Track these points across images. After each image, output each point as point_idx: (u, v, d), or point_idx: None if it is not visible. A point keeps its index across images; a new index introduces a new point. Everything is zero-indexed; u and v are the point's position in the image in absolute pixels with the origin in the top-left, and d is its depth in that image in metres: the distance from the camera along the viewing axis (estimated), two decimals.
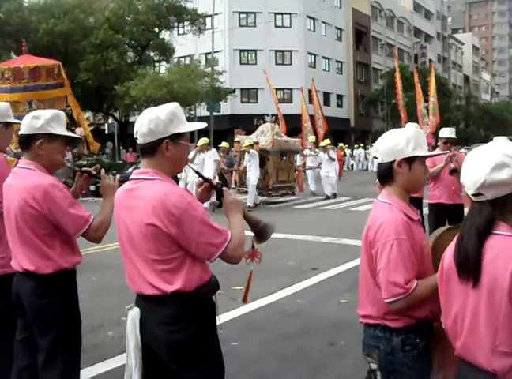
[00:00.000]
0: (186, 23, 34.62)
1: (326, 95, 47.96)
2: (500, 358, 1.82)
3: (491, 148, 1.93)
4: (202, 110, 32.87)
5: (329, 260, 8.43)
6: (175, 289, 2.35)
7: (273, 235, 2.80)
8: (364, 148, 41.18)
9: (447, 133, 7.21)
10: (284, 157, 17.36)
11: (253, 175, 15.02)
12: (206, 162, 13.99)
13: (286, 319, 5.70)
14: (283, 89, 43.35)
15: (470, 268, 1.87)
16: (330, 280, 7.27)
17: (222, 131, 31.60)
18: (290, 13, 44.86)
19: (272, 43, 43.89)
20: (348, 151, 39.45)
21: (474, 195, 1.90)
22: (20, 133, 3.03)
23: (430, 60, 64.29)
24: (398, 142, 2.35)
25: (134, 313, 2.45)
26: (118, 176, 3.21)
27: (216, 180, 13.64)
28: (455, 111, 58.77)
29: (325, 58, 49.62)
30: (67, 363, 2.97)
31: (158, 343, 2.42)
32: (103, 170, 3.19)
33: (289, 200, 17.50)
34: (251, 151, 14.98)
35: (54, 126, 3.00)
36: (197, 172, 2.90)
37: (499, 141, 2.32)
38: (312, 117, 27.53)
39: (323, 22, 48.93)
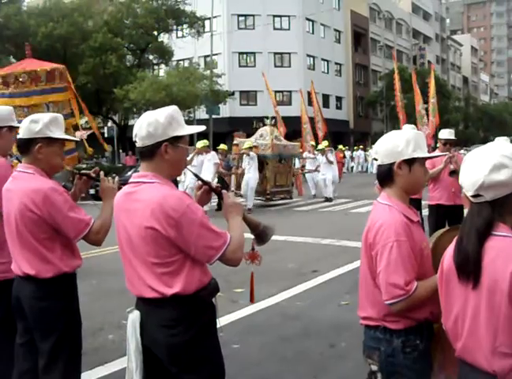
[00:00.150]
0: (185, 26, 34.66)
1: (325, 97, 47.99)
2: (500, 359, 1.82)
3: (490, 149, 1.93)
4: (201, 112, 32.87)
5: (329, 262, 8.43)
6: (175, 292, 2.35)
7: (273, 237, 2.80)
8: (364, 149, 41.15)
9: (446, 134, 7.22)
10: (283, 161, 17.29)
11: (252, 178, 14.95)
12: (205, 164, 13.94)
13: (286, 321, 5.70)
14: (282, 91, 43.36)
15: (470, 269, 1.87)
16: (330, 282, 7.26)
17: (221, 134, 31.59)
18: (289, 16, 44.86)
19: (271, 46, 43.90)
20: (347, 153, 39.46)
21: (473, 196, 1.90)
22: (18, 137, 3.02)
23: (429, 61, 64.35)
24: (398, 144, 2.35)
25: (134, 317, 2.45)
26: (117, 178, 3.21)
27: (215, 183, 13.63)
28: (454, 112, 58.77)
29: (323, 60, 49.66)
30: (68, 366, 2.97)
31: (158, 346, 2.42)
32: (102, 173, 3.19)
33: (289, 203, 17.49)
34: (251, 153, 14.88)
35: (53, 130, 3.00)
36: (196, 175, 2.91)
37: (499, 142, 2.33)
38: (312, 119, 27.55)
39: (322, 24, 48.96)
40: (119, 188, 2.90)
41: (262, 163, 16.07)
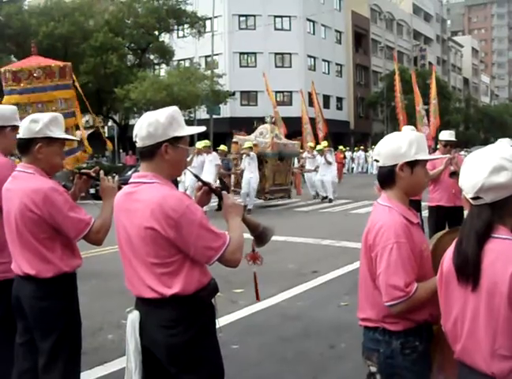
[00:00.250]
0: (186, 26, 34.65)
1: (326, 98, 47.98)
2: (499, 361, 1.82)
3: (489, 151, 1.93)
4: (202, 112, 32.88)
5: (329, 262, 8.43)
6: (174, 292, 2.35)
7: (273, 238, 2.80)
8: (365, 150, 41.14)
9: (447, 135, 7.22)
10: (283, 160, 17.18)
11: (254, 178, 14.90)
12: (207, 165, 13.91)
13: (286, 322, 5.70)
14: (282, 92, 43.38)
15: (469, 271, 1.87)
16: (330, 283, 7.26)
17: (222, 134, 31.59)
18: (289, 16, 44.86)
19: (272, 46, 43.90)
20: (348, 154, 39.45)
21: (473, 199, 1.90)
22: (18, 136, 3.02)
23: (429, 62, 64.36)
24: (400, 145, 2.34)
25: (134, 317, 2.46)
26: (116, 177, 3.21)
27: (217, 184, 13.59)
28: (455, 114, 58.77)
29: (324, 60, 49.65)
30: (68, 366, 2.97)
31: (157, 346, 2.42)
32: (102, 172, 3.18)
33: (289, 203, 17.49)
34: (251, 153, 14.83)
35: (53, 130, 2.99)
36: (196, 176, 2.91)
37: (501, 144, 2.32)
38: (313, 120, 27.57)
39: (323, 25, 48.97)
40: (119, 187, 2.90)
41: (261, 161, 15.97)
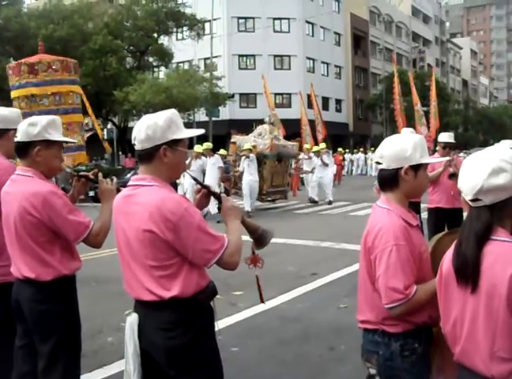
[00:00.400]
0: (185, 28, 34.72)
1: (325, 100, 47.99)
2: (499, 363, 1.82)
3: (488, 153, 1.93)
4: (201, 115, 32.88)
5: (328, 264, 8.43)
6: (173, 295, 2.35)
7: (273, 240, 2.80)
8: (364, 152, 41.11)
9: (446, 137, 7.22)
10: (281, 161, 17.10)
11: (253, 180, 14.84)
12: (209, 168, 13.88)
13: (286, 324, 5.70)
14: (282, 94, 43.42)
15: (469, 273, 1.87)
16: (330, 285, 7.26)
17: (221, 136, 31.60)
18: (288, 18, 44.90)
19: (271, 48, 43.91)
20: (347, 156, 39.43)
21: (472, 200, 1.90)
22: (16, 140, 3.01)
23: (428, 64, 64.45)
24: (406, 149, 2.33)
25: (132, 319, 2.45)
26: (115, 179, 3.21)
27: (222, 187, 13.53)
28: (454, 116, 58.78)
29: (323, 62, 49.68)
30: (67, 369, 2.96)
31: (156, 348, 2.42)
32: (100, 174, 3.18)
33: (288, 205, 17.48)
34: (251, 155, 14.77)
35: (51, 132, 2.99)
36: (194, 179, 2.91)
37: (502, 145, 2.32)
38: (312, 122, 27.59)
39: (322, 27, 49.01)
40: (118, 190, 2.90)
41: (260, 162, 15.90)
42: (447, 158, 6.34)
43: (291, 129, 26.16)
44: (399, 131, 16.53)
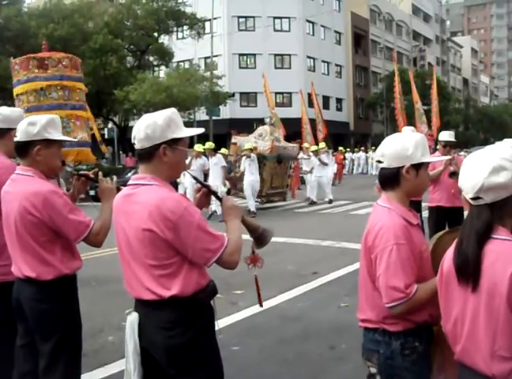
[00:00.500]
0: (185, 27, 34.75)
1: (325, 99, 47.98)
2: (499, 362, 1.82)
3: (489, 151, 1.92)
4: (202, 114, 32.88)
5: (329, 263, 8.42)
6: (173, 294, 2.35)
7: (273, 239, 2.79)
8: (365, 151, 41.08)
9: (446, 136, 7.22)
10: (281, 162, 17.04)
11: (255, 181, 14.79)
12: (212, 168, 13.86)
13: (286, 323, 5.70)
14: (282, 93, 43.40)
15: (469, 272, 1.87)
16: (330, 284, 7.26)
17: (221, 135, 31.60)
18: (289, 17, 44.86)
19: (272, 47, 43.88)
20: (348, 155, 39.41)
21: (473, 199, 1.90)
22: (16, 139, 3.01)
23: (429, 63, 64.40)
24: (407, 147, 2.32)
25: (133, 318, 2.45)
26: (115, 179, 3.20)
27: (227, 186, 13.48)
28: (454, 114, 58.77)
29: (324, 61, 49.66)
30: (68, 368, 2.97)
31: (156, 347, 2.42)
32: (100, 174, 3.18)
33: (289, 204, 17.47)
34: (252, 155, 14.72)
35: (50, 132, 2.99)
36: (194, 178, 2.91)
37: (506, 143, 2.31)
38: (313, 121, 27.57)
39: (322, 26, 48.98)
40: (118, 189, 2.89)
41: (260, 164, 15.86)
42: (448, 157, 6.34)
43: (292, 128, 26.16)
44: (400, 130, 16.50)
